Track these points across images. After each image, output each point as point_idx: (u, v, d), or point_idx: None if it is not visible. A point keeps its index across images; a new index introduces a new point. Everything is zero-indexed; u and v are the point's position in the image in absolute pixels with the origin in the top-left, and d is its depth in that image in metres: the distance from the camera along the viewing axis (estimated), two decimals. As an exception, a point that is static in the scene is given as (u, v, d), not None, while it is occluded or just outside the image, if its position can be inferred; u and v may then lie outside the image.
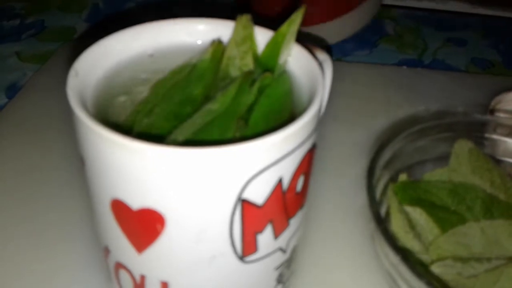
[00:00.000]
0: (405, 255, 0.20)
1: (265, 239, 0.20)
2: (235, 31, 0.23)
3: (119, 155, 0.17)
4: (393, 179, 0.26)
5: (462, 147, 0.26)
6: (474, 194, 0.25)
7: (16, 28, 0.48)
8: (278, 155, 0.18)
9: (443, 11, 0.57)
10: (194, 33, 0.24)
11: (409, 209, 0.25)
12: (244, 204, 0.18)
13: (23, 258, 0.27)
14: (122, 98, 0.23)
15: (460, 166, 0.26)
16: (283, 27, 0.22)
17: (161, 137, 0.20)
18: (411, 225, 0.24)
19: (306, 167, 0.20)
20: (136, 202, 0.18)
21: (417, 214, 0.25)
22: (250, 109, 0.20)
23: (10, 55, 0.45)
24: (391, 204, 0.24)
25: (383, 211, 0.25)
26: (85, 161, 0.19)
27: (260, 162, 0.18)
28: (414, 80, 0.43)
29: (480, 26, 0.55)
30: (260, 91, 0.21)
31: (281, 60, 0.22)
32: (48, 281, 0.26)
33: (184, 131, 0.19)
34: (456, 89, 0.42)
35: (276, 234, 0.20)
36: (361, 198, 0.29)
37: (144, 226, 0.19)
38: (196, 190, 0.18)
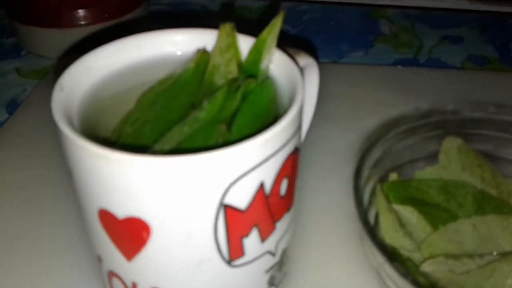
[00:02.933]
0: (390, 254, 0.20)
1: (252, 243, 0.20)
2: (219, 39, 0.23)
3: (101, 166, 0.18)
4: (383, 178, 0.26)
5: (451, 144, 0.26)
6: (465, 191, 0.25)
7: (15, 45, 0.49)
8: (257, 159, 0.18)
9: (438, 9, 0.57)
10: (177, 44, 0.24)
11: (399, 207, 0.25)
12: (227, 209, 0.19)
13: (21, 269, 0.28)
14: (108, 112, 0.23)
15: (450, 163, 0.26)
16: (264, 33, 0.23)
17: (146, 146, 0.21)
18: (401, 223, 0.24)
19: (289, 170, 0.20)
20: (121, 211, 0.19)
21: (408, 213, 0.25)
22: (234, 115, 0.21)
23: (10, 71, 0.46)
24: (379, 203, 0.24)
25: (373, 211, 0.25)
26: (71, 173, 0.20)
27: (240, 167, 0.18)
28: (409, 80, 0.43)
29: (476, 22, 0.55)
30: (244, 97, 0.21)
31: (263, 66, 0.23)
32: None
33: (170, 140, 0.20)
34: (452, 86, 0.42)
35: (263, 238, 0.21)
36: (350, 198, 0.29)
37: (130, 234, 0.19)
38: (178, 198, 0.18)
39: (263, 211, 0.20)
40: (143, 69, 0.24)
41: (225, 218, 0.19)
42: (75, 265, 0.28)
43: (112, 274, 0.22)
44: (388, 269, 0.20)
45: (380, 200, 0.24)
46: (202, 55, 0.23)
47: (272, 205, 0.20)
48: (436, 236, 0.24)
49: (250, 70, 0.23)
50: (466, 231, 0.24)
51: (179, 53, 0.24)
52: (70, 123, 0.19)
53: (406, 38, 0.52)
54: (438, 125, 0.27)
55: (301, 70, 0.22)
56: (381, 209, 0.24)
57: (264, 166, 0.18)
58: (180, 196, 0.18)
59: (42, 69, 0.46)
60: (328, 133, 0.36)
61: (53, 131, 0.38)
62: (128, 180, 0.18)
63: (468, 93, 0.39)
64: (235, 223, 0.19)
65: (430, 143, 0.27)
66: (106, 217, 0.19)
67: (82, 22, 0.46)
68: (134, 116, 0.22)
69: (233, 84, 0.21)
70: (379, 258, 0.21)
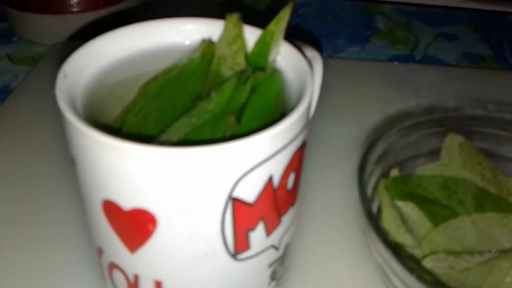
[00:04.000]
0: (396, 250, 0.20)
1: (257, 236, 0.20)
2: (226, 30, 0.23)
3: (109, 156, 0.17)
4: (385, 174, 0.26)
5: (453, 142, 0.26)
6: (465, 188, 0.26)
7: (6, 31, 0.48)
8: (268, 153, 0.18)
9: (434, 6, 0.58)
10: (184, 33, 0.24)
11: (401, 204, 0.25)
12: (235, 202, 0.18)
13: (15, 258, 0.27)
14: (112, 100, 0.23)
15: (451, 161, 0.26)
16: (271, 25, 0.22)
17: (150, 136, 0.20)
18: (403, 219, 0.24)
19: (296, 164, 0.20)
20: (127, 202, 0.18)
21: (409, 209, 0.25)
22: (243, 107, 0.20)
23: (1, 57, 0.45)
24: (382, 199, 0.25)
25: (375, 206, 0.25)
26: (75, 163, 0.19)
27: (250, 160, 0.18)
28: (405, 76, 0.43)
29: (471, 20, 0.55)
30: (252, 90, 0.21)
31: (271, 58, 0.22)
32: (40, 280, 0.26)
33: (178, 130, 0.20)
34: (447, 83, 0.42)
35: (268, 232, 0.21)
36: (354, 193, 0.29)
37: (135, 226, 0.19)
38: (187, 190, 0.18)
39: (270, 205, 0.20)
40: (148, 57, 0.23)
41: (233, 211, 0.18)
42: (73, 256, 0.27)
43: (113, 266, 0.21)
44: (393, 265, 0.20)
45: (384, 196, 0.25)
46: (208, 46, 0.23)
47: (279, 199, 0.20)
48: (436, 232, 0.24)
49: (257, 62, 0.23)
50: (466, 228, 0.24)
51: (186, 42, 0.24)
52: (75, 111, 0.18)
53: (402, 34, 0.52)
54: (439, 122, 0.27)
55: (310, 63, 0.21)
56: (384, 204, 0.24)
57: (274, 159, 0.18)
58: (189, 188, 0.18)
59: (34, 55, 0.45)
60: (325, 127, 0.36)
61: (46, 118, 0.38)
62: (136, 171, 0.17)
63: (464, 90, 0.39)
64: (243, 216, 0.19)
65: (431, 140, 0.27)
66: (110, 208, 0.19)
67: (76, 9, 0.45)
68: (138, 106, 0.22)
69: (241, 76, 0.21)
70: (384, 254, 0.21)
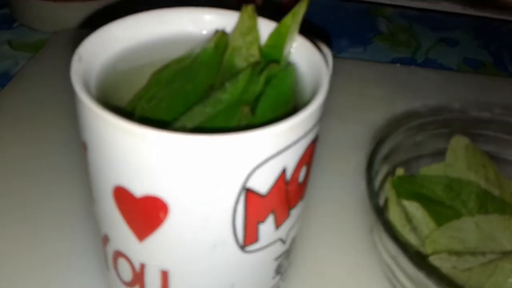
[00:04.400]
0: (405, 246, 0.20)
1: (267, 229, 0.20)
2: (240, 21, 0.23)
3: (124, 140, 0.17)
4: (390, 173, 0.26)
5: (459, 143, 0.26)
6: (469, 190, 0.26)
7: (7, 16, 0.47)
8: (283, 144, 0.18)
9: (435, 11, 0.58)
10: (199, 23, 0.23)
11: (406, 203, 0.25)
12: (248, 193, 0.18)
13: (17, 246, 0.27)
14: (124, 85, 0.22)
15: (456, 162, 0.26)
16: (287, 18, 0.22)
17: (163, 122, 0.20)
18: (408, 218, 0.25)
19: (308, 158, 0.20)
20: (139, 189, 0.18)
21: (414, 208, 0.25)
22: (257, 99, 0.20)
23: (2, 43, 0.44)
24: (389, 197, 0.25)
25: (379, 204, 0.25)
26: (87, 147, 0.19)
27: (266, 151, 0.18)
28: (407, 78, 0.44)
29: (471, 27, 0.55)
30: (266, 82, 0.21)
31: (286, 51, 0.22)
32: (43, 268, 0.26)
33: (193, 118, 0.19)
34: (448, 87, 0.42)
35: (277, 225, 0.20)
36: (358, 191, 0.29)
37: (146, 214, 0.19)
38: (201, 178, 0.17)
39: (282, 198, 0.20)
40: (162, 45, 0.23)
41: (245, 202, 0.18)
42: (75, 245, 0.27)
43: (118, 254, 0.21)
44: (401, 261, 0.20)
45: (390, 194, 0.25)
46: (221, 36, 0.23)
47: (290, 192, 0.20)
48: (439, 232, 0.24)
49: (271, 54, 0.23)
50: (469, 229, 0.24)
51: (200, 32, 0.24)
52: (90, 94, 0.18)
53: (404, 38, 0.53)
54: (445, 123, 0.28)
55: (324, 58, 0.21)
56: (391, 202, 0.24)
57: (289, 151, 0.18)
58: (203, 177, 0.17)
59: (35, 42, 0.44)
60: (329, 125, 0.36)
61: (46, 105, 0.37)
62: (151, 157, 0.17)
63: (466, 94, 0.40)
64: (254, 207, 0.19)
65: (436, 140, 0.27)
66: (122, 195, 0.19)
67: (79, -3, 0.45)
68: (150, 93, 0.22)
69: (256, 68, 0.21)
70: (392, 250, 0.21)
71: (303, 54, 0.22)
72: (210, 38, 0.23)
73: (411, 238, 0.24)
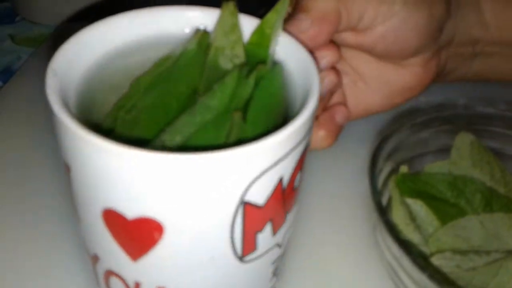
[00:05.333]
0: (407, 247, 0.20)
1: (264, 237, 0.19)
2: (222, 19, 0.21)
3: (110, 162, 0.16)
4: (394, 170, 0.26)
5: (464, 140, 0.26)
6: (474, 187, 0.25)
7: (9, 10, 0.46)
8: (279, 155, 0.17)
9: None
10: (180, 22, 0.22)
11: (410, 201, 0.24)
12: (246, 206, 0.18)
13: (5, 259, 0.26)
14: (104, 94, 0.21)
15: (461, 159, 0.26)
16: (271, 15, 0.21)
17: (147, 137, 0.19)
18: (412, 217, 0.24)
19: (303, 162, 0.20)
20: (131, 211, 0.17)
21: (418, 206, 0.24)
22: (246, 103, 0.19)
23: (4, 37, 0.43)
24: (393, 195, 0.24)
25: (383, 202, 0.25)
26: (71, 168, 0.18)
27: (262, 164, 0.17)
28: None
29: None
30: (255, 84, 0.20)
31: (271, 50, 0.21)
32: (31, 283, 0.25)
33: (181, 130, 0.18)
34: (453, 83, 0.41)
35: (275, 231, 0.20)
36: (362, 189, 0.28)
37: (140, 235, 0.18)
38: (197, 197, 0.17)
39: (279, 205, 0.19)
40: (141, 47, 0.22)
41: (243, 215, 0.18)
42: (63, 256, 0.26)
43: (110, 273, 0.20)
44: (403, 262, 0.20)
45: (394, 192, 0.24)
46: (203, 36, 0.22)
47: (287, 198, 0.19)
48: (443, 231, 0.24)
49: (255, 54, 0.22)
50: (473, 227, 0.24)
51: (184, 31, 0.22)
52: (69, 112, 0.17)
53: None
54: (449, 120, 0.27)
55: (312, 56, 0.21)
56: (394, 201, 0.24)
57: (285, 161, 0.18)
58: (198, 195, 0.17)
59: (37, 36, 0.43)
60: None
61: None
62: (141, 179, 0.16)
63: (469, 91, 0.38)
64: (252, 219, 0.18)
65: (441, 137, 0.27)
66: (112, 217, 0.18)
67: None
68: (131, 102, 0.20)
69: (243, 69, 0.20)
70: (395, 251, 0.20)
71: (289, 51, 0.21)
72: (191, 38, 0.22)
73: (414, 237, 0.24)
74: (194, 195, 0.17)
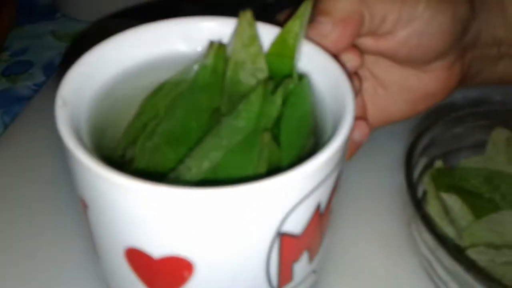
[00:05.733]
0: (443, 240, 0.20)
1: (301, 266, 0.18)
2: (240, 30, 0.20)
3: (134, 201, 0.15)
4: (429, 165, 0.26)
5: (500, 136, 0.26)
6: (509, 183, 0.25)
7: (49, 7, 0.45)
8: (317, 181, 0.16)
9: None
10: (188, 36, 0.20)
11: (444, 195, 0.24)
12: (283, 237, 0.16)
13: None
14: (115, 118, 0.19)
15: (497, 155, 0.26)
16: (293, 23, 0.20)
17: (171, 167, 0.17)
18: (446, 211, 0.24)
19: (338, 184, 0.18)
20: (157, 250, 0.16)
21: (452, 201, 0.24)
22: (275, 123, 0.18)
23: (46, 33, 0.42)
24: (428, 190, 0.24)
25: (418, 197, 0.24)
26: (88, 206, 0.16)
27: (300, 192, 0.15)
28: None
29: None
30: (283, 101, 0.18)
31: (295, 61, 0.20)
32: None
33: (208, 154, 0.17)
34: None
35: (311, 258, 0.18)
36: (397, 183, 0.28)
37: (168, 274, 0.16)
38: (229, 232, 0.15)
39: (316, 232, 0.18)
40: (151, 67, 0.20)
41: (279, 246, 0.16)
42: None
43: (135, 311, 0.19)
44: (440, 255, 0.20)
45: (430, 187, 0.24)
46: (219, 49, 0.20)
47: (323, 223, 0.18)
48: (478, 225, 0.23)
49: (276, 66, 0.20)
50: (508, 222, 0.23)
51: (191, 47, 0.21)
52: (84, 147, 0.15)
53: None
54: (485, 115, 0.26)
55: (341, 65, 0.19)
56: (430, 195, 0.24)
57: (323, 186, 0.16)
58: (231, 230, 0.15)
59: (77, 33, 0.42)
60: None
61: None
62: (169, 216, 0.15)
63: (506, 86, 0.37)
64: (289, 249, 0.17)
65: (476, 133, 0.26)
66: (136, 257, 0.16)
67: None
68: (149, 128, 0.19)
69: (268, 85, 0.18)
70: (431, 244, 0.20)
71: (314, 62, 0.20)
72: (206, 53, 0.20)
73: (449, 231, 0.23)
74: (226, 230, 0.15)
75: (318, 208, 0.17)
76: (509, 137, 0.26)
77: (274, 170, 0.17)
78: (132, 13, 0.41)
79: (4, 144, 0.31)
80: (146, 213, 0.15)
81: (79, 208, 0.17)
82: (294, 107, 0.18)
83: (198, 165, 0.17)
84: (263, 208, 0.15)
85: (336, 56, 0.20)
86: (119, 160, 0.18)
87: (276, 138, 0.17)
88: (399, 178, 0.24)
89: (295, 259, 0.17)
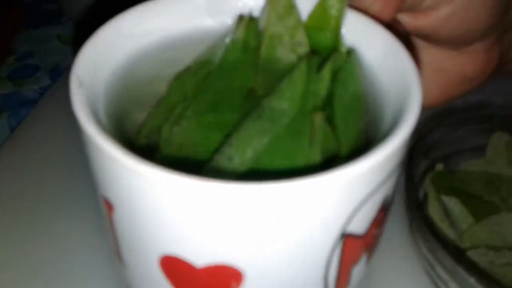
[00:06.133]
0: (444, 241, 0.20)
1: (359, 269, 0.16)
2: (273, 0, 0.17)
3: (172, 199, 0.12)
4: (430, 168, 0.25)
5: (500, 139, 0.26)
6: (509, 186, 0.25)
7: (55, 11, 0.44)
8: (386, 172, 0.13)
9: None
10: (218, 9, 0.18)
11: (445, 198, 0.24)
12: (347, 239, 0.14)
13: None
14: (136, 100, 0.17)
15: (497, 158, 0.26)
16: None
17: (203, 158, 0.15)
18: (447, 213, 0.23)
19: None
20: (200, 258, 0.13)
21: (453, 203, 0.24)
22: (325, 102, 0.15)
23: (52, 37, 0.41)
24: (428, 192, 0.24)
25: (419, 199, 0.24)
26: (114, 207, 0.14)
27: (368, 186, 0.13)
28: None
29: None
30: (332, 79, 0.16)
31: (340, 33, 0.17)
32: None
33: (250, 141, 0.14)
34: (490, 82, 0.38)
35: (369, 260, 0.16)
36: (398, 185, 0.26)
37: (213, 285, 0.14)
38: (284, 235, 0.13)
39: (379, 231, 0.15)
40: (174, 43, 0.17)
41: (341, 249, 0.14)
42: None
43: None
44: (441, 256, 0.20)
45: (430, 189, 0.24)
46: (250, 23, 0.17)
47: (385, 220, 0.15)
48: (478, 227, 0.23)
49: (316, 40, 0.18)
50: (508, 224, 0.23)
51: (217, 20, 0.18)
52: (108, 134, 0.13)
53: None
54: (486, 118, 0.27)
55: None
56: (430, 197, 0.24)
57: (391, 178, 0.14)
58: (287, 233, 0.13)
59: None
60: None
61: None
62: (215, 217, 0.12)
63: (507, 90, 0.35)
64: (352, 252, 0.14)
65: (477, 136, 0.26)
66: (174, 266, 0.13)
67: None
68: (176, 111, 0.16)
69: (312, 61, 0.16)
70: (432, 245, 0.20)
71: (361, 33, 0.17)
72: (235, 27, 0.18)
73: (449, 233, 0.23)
74: (281, 233, 0.13)
75: (383, 204, 0.14)
76: (509, 141, 0.26)
77: (329, 158, 0.15)
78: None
79: (11, 146, 0.30)
80: (186, 214, 0.12)
81: (100, 211, 0.15)
82: (345, 85, 0.16)
83: (241, 153, 0.14)
84: (326, 206, 0.12)
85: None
86: (144, 149, 0.16)
87: (329, 120, 0.15)
88: (400, 180, 0.23)
89: (355, 262, 0.15)
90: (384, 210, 0.14)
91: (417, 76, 0.15)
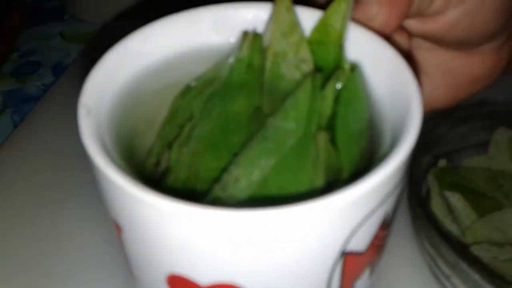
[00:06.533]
0: (447, 237, 0.21)
1: (362, 282, 0.16)
2: (277, 17, 0.17)
3: (177, 225, 0.13)
4: (433, 164, 0.25)
5: (502, 135, 0.26)
6: (511, 182, 0.25)
7: (58, 8, 0.45)
8: (385, 192, 0.13)
9: None
10: (223, 25, 0.18)
11: (448, 194, 0.24)
12: (347, 257, 0.14)
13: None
14: (141, 122, 0.17)
15: (499, 154, 0.26)
16: (337, 4, 0.17)
17: (212, 175, 0.15)
18: (449, 209, 0.24)
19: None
20: (205, 277, 0.14)
21: (455, 199, 0.24)
22: (329, 122, 0.16)
23: (54, 34, 0.42)
24: (431, 188, 0.24)
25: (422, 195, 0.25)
26: (122, 229, 0.14)
27: (367, 207, 0.13)
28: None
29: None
30: (336, 97, 0.16)
31: (342, 49, 0.17)
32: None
33: (256, 163, 0.15)
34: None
35: (372, 272, 0.16)
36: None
37: (218, 303, 0.14)
38: (286, 255, 0.13)
39: (380, 246, 0.15)
40: (180, 61, 0.18)
41: (342, 267, 0.14)
42: None
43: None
44: (444, 251, 0.20)
45: (433, 185, 0.24)
46: (255, 40, 0.18)
47: (387, 235, 0.16)
48: (481, 223, 0.24)
49: (319, 55, 0.18)
50: (510, 220, 0.23)
51: (229, 39, 0.18)
52: (115, 163, 0.13)
53: None
54: (488, 115, 0.27)
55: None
56: (433, 193, 0.24)
57: (391, 197, 0.14)
58: (289, 253, 0.13)
59: (86, 34, 0.42)
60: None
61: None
62: (219, 240, 0.13)
63: (509, 87, 0.35)
64: (353, 268, 0.15)
65: (479, 132, 0.27)
66: (181, 283, 0.14)
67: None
68: (184, 133, 0.17)
69: (316, 78, 0.16)
70: (435, 240, 0.20)
71: (363, 49, 0.17)
72: (240, 45, 0.18)
73: (452, 229, 0.23)
74: (283, 254, 0.13)
75: (383, 221, 0.14)
76: (511, 137, 0.26)
77: (333, 179, 0.15)
78: (143, 13, 0.41)
79: (14, 143, 0.30)
80: (191, 237, 0.13)
81: (111, 229, 0.15)
82: (349, 104, 0.16)
83: (248, 175, 0.15)
84: (325, 228, 0.13)
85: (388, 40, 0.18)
86: (153, 170, 0.16)
87: (331, 141, 0.15)
88: (405, 176, 0.24)
89: (357, 276, 0.15)
90: (385, 227, 0.15)
91: (419, 95, 0.15)
